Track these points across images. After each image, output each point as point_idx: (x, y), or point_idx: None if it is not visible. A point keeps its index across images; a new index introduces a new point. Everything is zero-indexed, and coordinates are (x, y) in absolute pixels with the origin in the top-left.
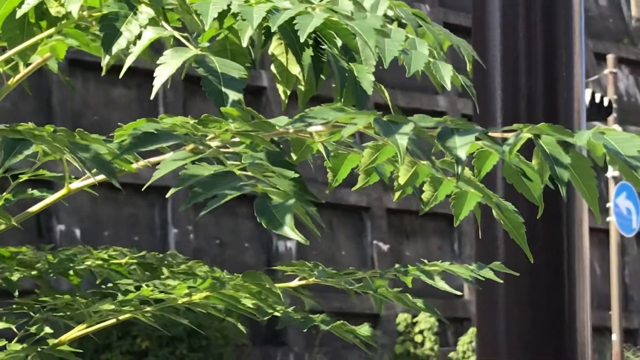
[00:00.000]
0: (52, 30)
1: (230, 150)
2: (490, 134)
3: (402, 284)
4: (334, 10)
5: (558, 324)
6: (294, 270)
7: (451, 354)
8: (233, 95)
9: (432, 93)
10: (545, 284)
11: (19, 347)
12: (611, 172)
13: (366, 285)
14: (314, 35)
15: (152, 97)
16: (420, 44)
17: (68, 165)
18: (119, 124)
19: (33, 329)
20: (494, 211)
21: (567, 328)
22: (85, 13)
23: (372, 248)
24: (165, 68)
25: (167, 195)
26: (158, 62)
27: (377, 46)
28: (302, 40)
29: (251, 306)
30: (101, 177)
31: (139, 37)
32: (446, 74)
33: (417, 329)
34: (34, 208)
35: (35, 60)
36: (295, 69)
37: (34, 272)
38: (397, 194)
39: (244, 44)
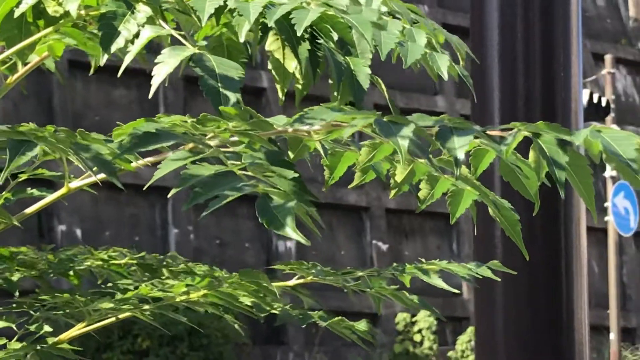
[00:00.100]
0: (50, 29)
1: (230, 149)
2: (488, 132)
3: (402, 283)
4: (330, 4)
5: (556, 323)
6: (292, 269)
7: (450, 353)
8: (231, 95)
9: (431, 94)
10: (543, 283)
11: (18, 345)
12: (609, 172)
13: (364, 284)
14: (310, 29)
15: (150, 96)
16: (418, 34)
17: (68, 165)
18: (119, 124)
19: (33, 328)
20: (490, 209)
21: (565, 327)
22: (83, 12)
23: (372, 248)
24: (163, 67)
25: (168, 196)
26: (156, 60)
27: (374, 39)
28: (299, 34)
29: (249, 304)
30: (102, 176)
31: (136, 35)
32: (443, 64)
33: (416, 328)
34: (33, 207)
35: (34, 59)
36: (291, 65)
37: (34, 272)
38: (393, 192)
39: (242, 39)
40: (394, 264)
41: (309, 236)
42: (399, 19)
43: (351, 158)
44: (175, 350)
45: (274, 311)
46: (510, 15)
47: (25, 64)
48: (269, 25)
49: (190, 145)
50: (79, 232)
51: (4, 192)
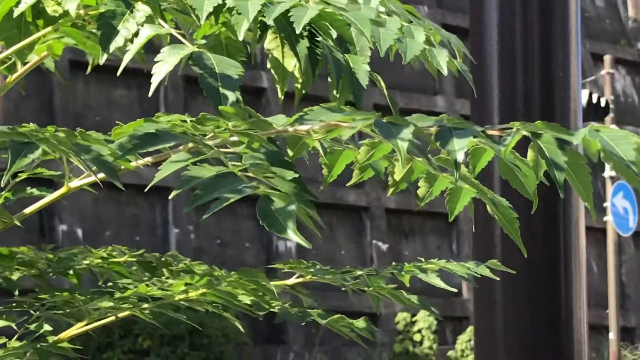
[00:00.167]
0: (49, 29)
1: (231, 150)
2: (487, 132)
3: (401, 283)
4: (328, 2)
5: (555, 322)
6: (291, 268)
7: (450, 353)
8: (230, 94)
9: (430, 94)
10: (542, 283)
11: (18, 344)
12: (608, 172)
13: (362, 283)
14: (308, 27)
15: (150, 94)
16: (416, 31)
17: (68, 164)
18: (118, 123)
19: (32, 327)
20: (488, 207)
21: (564, 326)
22: (82, 12)
23: (372, 248)
24: (163, 65)
25: (169, 197)
26: (155, 59)
27: (372, 35)
28: (297, 31)
29: (248, 302)
30: (101, 175)
31: (136, 35)
32: (442, 59)
33: (416, 328)
34: (33, 207)
35: (33, 59)
36: (291, 64)
37: (34, 272)
38: (390, 190)
39: (240, 37)
40: (393, 263)
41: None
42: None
43: (350, 156)
44: (176, 349)
45: (273, 310)
46: (509, 15)
47: (24, 64)
48: (268, 24)
49: (190, 145)
50: (80, 232)
51: (3, 192)
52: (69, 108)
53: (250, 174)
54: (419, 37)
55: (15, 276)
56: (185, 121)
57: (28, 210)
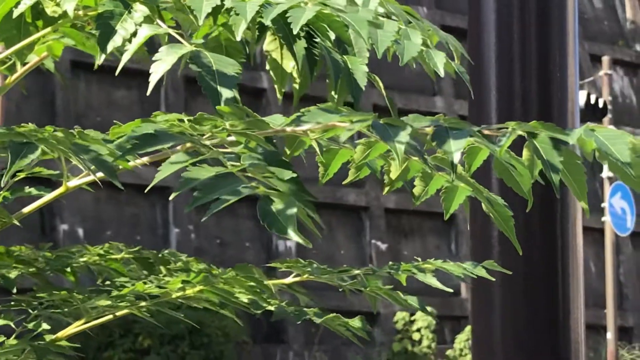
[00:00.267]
0: (48, 29)
1: (229, 150)
2: (484, 131)
3: (400, 282)
4: (326, 4)
5: (552, 322)
6: (288, 267)
7: (448, 352)
8: (227, 92)
9: (429, 94)
10: (539, 283)
11: (15, 343)
12: (606, 173)
13: (359, 282)
14: (306, 28)
15: (148, 93)
16: (413, 34)
17: (66, 164)
18: (117, 123)
19: (31, 325)
20: (483, 205)
21: (562, 326)
22: (80, 12)
23: (371, 247)
24: (161, 65)
25: (170, 198)
26: (153, 58)
27: (370, 37)
28: (295, 32)
29: (245, 300)
30: (100, 175)
31: (134, 34)
32: (439, 61)
33: (414, 327)
34: (32, 206)
35: (33, 59)
36: (289, 65)
37: (32, 270)
38: (386, 188)
39: (238, 37)
40: (391, 263)
41: (309, 236)
42: (395, 20)
43: (346, 155)
44: (176, 349)
45: (270, 308)
46: (507, 16)
47: (24, 64)
48: (266, 25)
49: (188, 145)
50: (80, 231)
51: (2, 191)
52: (70, 108)
53: (249, 174)
54: (416, 39)
55: (13, 274)
56: (182, 121)
57: (27, 209)
